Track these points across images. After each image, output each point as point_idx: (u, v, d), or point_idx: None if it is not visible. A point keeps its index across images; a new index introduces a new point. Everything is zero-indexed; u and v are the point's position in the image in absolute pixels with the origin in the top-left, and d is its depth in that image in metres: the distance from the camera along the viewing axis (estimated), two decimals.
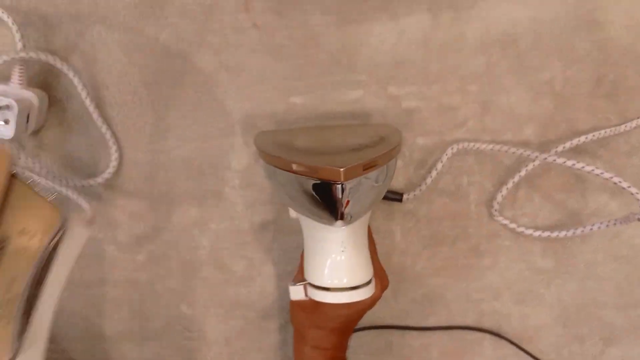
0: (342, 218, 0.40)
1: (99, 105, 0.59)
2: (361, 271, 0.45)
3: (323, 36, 0.60)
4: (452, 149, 0.58)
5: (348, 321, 0.51)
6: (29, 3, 0.58)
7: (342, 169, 0.37)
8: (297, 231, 0.61)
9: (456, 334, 0.62)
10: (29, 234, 0.34)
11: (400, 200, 0.58)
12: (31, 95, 0.56)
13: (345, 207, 0.40)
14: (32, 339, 0.38)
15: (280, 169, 0.44)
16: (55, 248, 0.37)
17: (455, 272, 0.61)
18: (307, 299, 0.48)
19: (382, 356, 0.62)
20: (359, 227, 0.46)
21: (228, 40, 0.60)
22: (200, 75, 0.60)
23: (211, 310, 0.61)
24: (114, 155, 0.59)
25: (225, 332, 0.61)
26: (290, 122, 0.60)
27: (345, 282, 0.45)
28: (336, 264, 0.45)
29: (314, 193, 0.41)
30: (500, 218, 0.60)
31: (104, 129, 0.58)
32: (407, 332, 0.61)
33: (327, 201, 0.40)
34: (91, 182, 0.59)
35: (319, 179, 0.40)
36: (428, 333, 0.61)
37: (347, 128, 0.57)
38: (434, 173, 0.58)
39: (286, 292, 0.60)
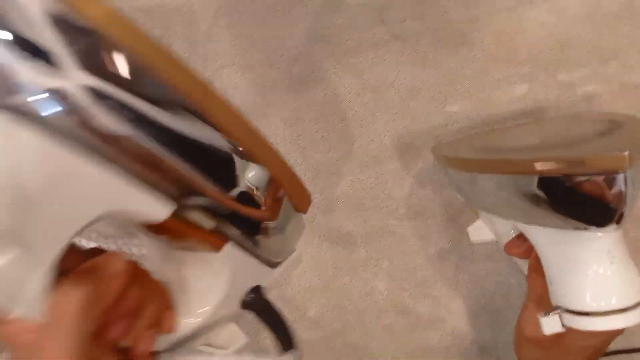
0: (619, 220, 0.32)
1: None
2: (632, 287, 0.36)
3: (472, 32, 0.53)
4: None
5: (594, 354, 0.41)
6: None
7: (626, 153, 0.29)
8: (482, 257, 0.52)
9: None
10: None
11: None
12: None
13: (626, 204, 0.31)
14: None
15: (508, 173, 0.36)
16: None
17: None
18: (563, 330, 0.38)
19: None
20: (621, 233, 0.37)
21: (368, 58, 0.53)
22: (342, 101, 0.53)
23: None
24: None
25: None
26: (451, 134, 0.53)
27: (615, 303, 0.35)
28: (602, 280, 0.36)
29: (569, 194, 0.33)
30: None
31: None
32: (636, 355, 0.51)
33: (595, 201, 0.32)
34: None
35: (587, 173, 0.31)
36: None
37: (534, 126, 0.49)
38: None
39: (484, 329, 0.52)
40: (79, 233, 0.23)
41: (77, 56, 0.20)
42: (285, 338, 0.38)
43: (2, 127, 0.20)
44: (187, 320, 0.32)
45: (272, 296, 0.37)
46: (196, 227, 0.28)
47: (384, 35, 0.54)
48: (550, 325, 0.38)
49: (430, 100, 0.53)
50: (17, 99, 0.20)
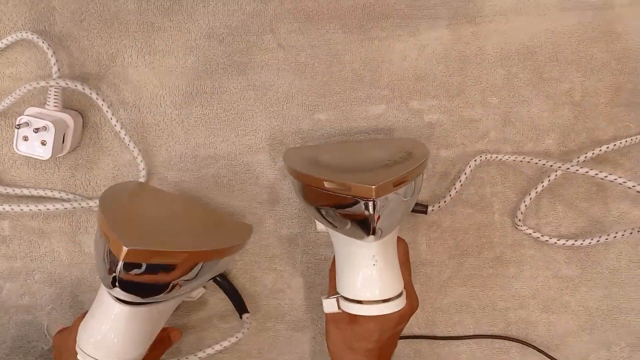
0: (374, 233, 0.42)
1: (131, 126, 0.61)
2: (392, 284, 0.47)
3: (346, 54, 0.62)
4: (475, 160, 0.59)
5: (382, 340, 0.51)
6: (62, 28, 0.61)
7: (373, 187, 0.39)
8: (324, 244, 0.62)
9: (484, 343, 0.63)
10: None
11: (425, 212, 0.59)
12: (66, 117, 0.59)
13: (377, 222, 0.41)
14: None
15: (311, 186, 0.46)
16: None
17: (481, 282, 0.62)
18: (340, 311, 0.49)
19: None
20: (389, 241, 0.47)
21: (254, 60, 0.62)
22: (228, 94, 0.62)
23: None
24: (142, 173, 0.60)
25: (257, 344, 0.63)
26: (315, 138, 0.62)
27: (377, 295, 0.46)
28: (368, 277, 0.46)
29: (345, 209, 0.43)
30: (524, 227, 0.61)
31: (132, 148, 0.60)
32: (434, 341, 0.63)
33: (358, 217, 0.42)
34: None
35: (351, 196, 0.41)
36: (456, 342, 0.62)
37: (372, 143, 0.59)
38: (457, 185, 0.59)
39: (316, 304, 0.62)
40: None
41: None
42: (240, 305, 0.60)
43: None
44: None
45: None
46: None
47: (271, 42, 0.62)
48: (329, 306, 0.49)
49: (302, 106, 0.62)
50: None
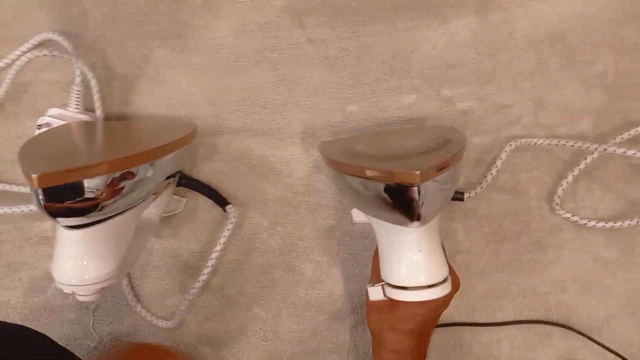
0: (418, 219, 0.42)
1: None
2: (437, 269, 0.47)
3: (375, 45, 0.62)
4: (510, 145, 0.59)
5: (424, 321, 0.52)
6: (94, 31, 0.62)
7: (418, 172, 0.39)
8: (361, 235, 0.63)
9: (525, 328, 0.62)
10: None
11: (462, 199, 0.59)
12: (87, 119, 0.59)
13: (421, 208, 0.41)
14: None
15: (352, 175, 0.46)
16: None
17: (520, 267, 0.62)
18: (385, 299, 0.49)
19: (453, 353, 0.63)
20: (432, 227, 0.47)
21: (284, 56, 0.62)
22: (259, 90, 0.62)
23: (283, 311, 0.63)
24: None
25: (298, 333, 0.64)
26: (348, 131, 0.62)
27: (423, 281, 0.46)
28: (413, 263, 0.46)
29: (388, 197, 0.43)
30: (561, 212, 0.60)
31: None
32: (475, 328, 0.63)
33: (402, 203, 0.42)
34: None
35: (395, 183, 0.42)
36: (497, 328, 0.62)
37: (406, 132, 0.59)
38: (494, 170, 0.59)
39: (355, 294, 0.62)
40: None
41: None
42: (218, 198, 0.62)
43: None
44: None
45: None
46: None
47: (301, 37, 0.62)
48: (374, 294, 0.49)
49: (334, 99, 0.62)
50: None
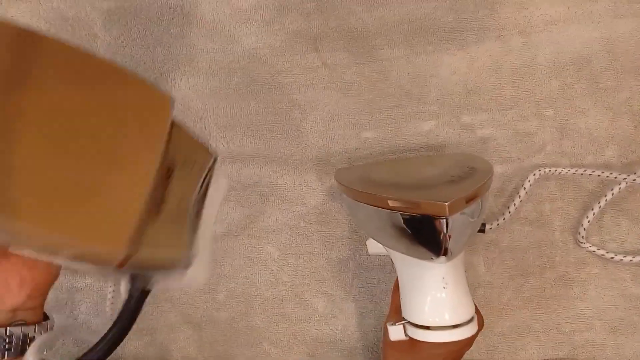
0: (445, 254, 0.39)
1: None
2: (463, 308, 0.44)
3: (392, 70, 0.60)
4: (534, 175, 0.57)
5: None
6: (104, 54, 0.60)
7: (447, 203, 0.36)
8: (376, 267, 0.60)
9: None
10: (190, 164, 0.39)
11: (483, 230, 0.57)
12: None
13: (449, 242, 0.39)
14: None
15: (372, 205, 0.44)
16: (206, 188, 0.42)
17: (544, 303, 0.59)
18: (406, 338, 0.46)
19: None
20: (458, 262, 0.44)
21: (299, 80, 0.60)
22: (273, 115, 0.60)
23: (294, 348, 0.60)
24: None
25: None
26: (363, 158, 0.60)
27: (448, 320, 0.43)
28: (437, 301, 0.43)
29: (412, 229, 0.40)
30: (587, 245, 0.57)
31: None
32: None
33: (428, 237, 0.40)
34: None
35: (420, 214, 0.39)
36: None
37: (425, 159, 0.56)
38: (517, 201, 0.57)
39: (370, 330, 0.59)
40: None
41: None
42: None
43: None
44: None
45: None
46: None
47: (316, 61, 0.60)
48: (395, 333, 0.46)
49: (349, 125, 0.60)
50: None
